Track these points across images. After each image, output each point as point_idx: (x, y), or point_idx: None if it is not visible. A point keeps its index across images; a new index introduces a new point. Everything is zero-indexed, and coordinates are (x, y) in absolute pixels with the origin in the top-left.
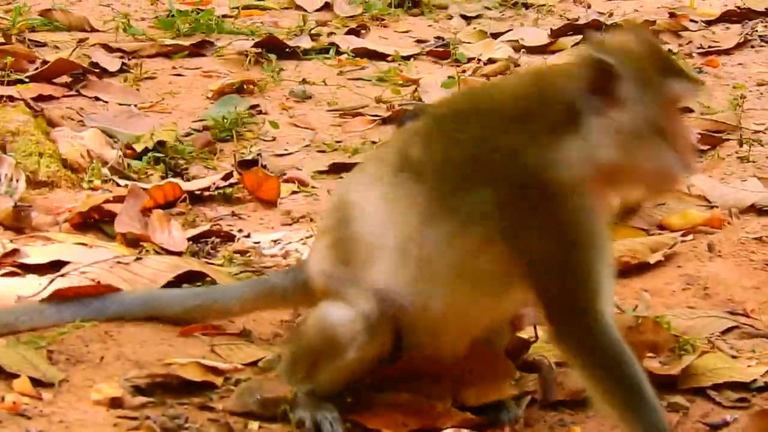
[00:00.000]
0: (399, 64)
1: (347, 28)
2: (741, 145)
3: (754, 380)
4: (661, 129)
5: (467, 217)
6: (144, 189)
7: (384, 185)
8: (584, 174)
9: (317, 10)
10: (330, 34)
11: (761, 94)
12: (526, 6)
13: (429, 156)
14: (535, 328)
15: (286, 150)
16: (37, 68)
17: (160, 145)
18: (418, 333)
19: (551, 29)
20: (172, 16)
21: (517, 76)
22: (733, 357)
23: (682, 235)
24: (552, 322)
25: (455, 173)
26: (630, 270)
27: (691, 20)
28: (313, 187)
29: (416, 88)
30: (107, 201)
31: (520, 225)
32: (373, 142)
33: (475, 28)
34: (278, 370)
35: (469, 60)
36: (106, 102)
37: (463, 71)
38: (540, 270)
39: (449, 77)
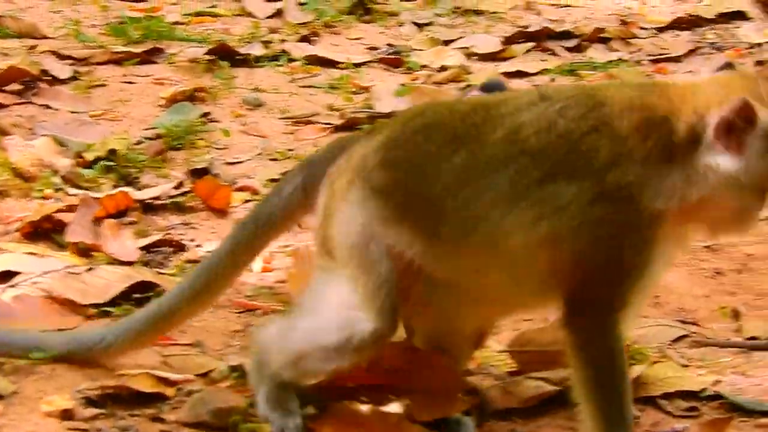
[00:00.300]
0: (351, 72)
1: (299, 35)
2: None
3: (704, 389)
4: (764, 187)
5: (544, 207)
6: (95, 198)
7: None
8: (677, 207)
9: (269, 17)
10: (282, 41)
11: None
12: (478, 13)
13: (529, 138)
14: None
15: (238, 158)
16: None
17: (112, 153)
18: (428, 317)
19: (503, 36)
20: (123, 23)
21: (646, 84)
22: (684, 366)
23: None
24: (574, 312)
25: (550, 163)
26: None
27: (642, 27)
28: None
29: (368, 96)
30: (59, 210)
31: (592, 230)
32: None
33: (426, 35)
34: (253, 354)
35: (422, 67)
36: (57, 110)
37: (416, 79)
38: (587, 271)
39: (402, 85)
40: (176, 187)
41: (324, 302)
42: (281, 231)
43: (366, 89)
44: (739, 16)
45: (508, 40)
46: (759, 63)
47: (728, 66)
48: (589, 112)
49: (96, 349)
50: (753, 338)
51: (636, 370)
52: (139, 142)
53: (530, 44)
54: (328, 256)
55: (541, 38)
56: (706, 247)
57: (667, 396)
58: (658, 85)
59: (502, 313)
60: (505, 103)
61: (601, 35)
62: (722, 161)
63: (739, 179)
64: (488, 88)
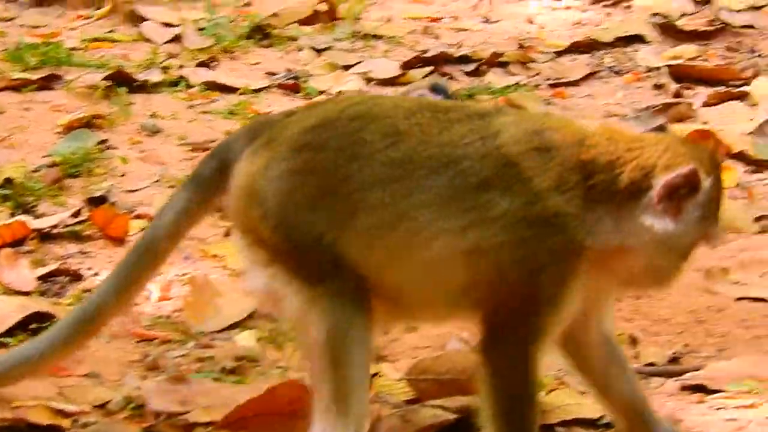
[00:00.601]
0: (250, 97)
1: (198, 61)
2: None
3: (601, 416)
4: (689, 252)
5: (474, 216)
6: None
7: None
8: (605, 249)
9: (167, 42)
10: (180, 66)
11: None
12: (376, 37)
13: (474, 143)
14: None
15: (136, 186)
16: None
17: (8, 181)
18: None
19: (402, 61)
20: (21, 49)
21: (594, 126)
22: (582, 393)
23: None
24: (491, 338)
25: (489, 171)
26: None
27: (540, 51)
28: None
29: None
30: None
31: (518, 249)
32: None
33: (325, 60)
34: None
35: (320, 92)
36: None
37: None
38: (505, 292)
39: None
40: (73, 216)
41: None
42: (201, 213)
43: (264, 115)
44: (638, 39)
45: (407, 65)
46: (657, 86)
47: (662, 128)
48: (540, 133)
49: None
50: (650, 364)
51: None
52: (36, 170)
53: (428, 69)
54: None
55: (439, 63)
56: None
57: (565, 423)
58: (606, 129)
59: (414, 318)
60: (455, 110)
61: (500, 59)
62: (658, 223)
63: (670, 241)
64: (436, 89)
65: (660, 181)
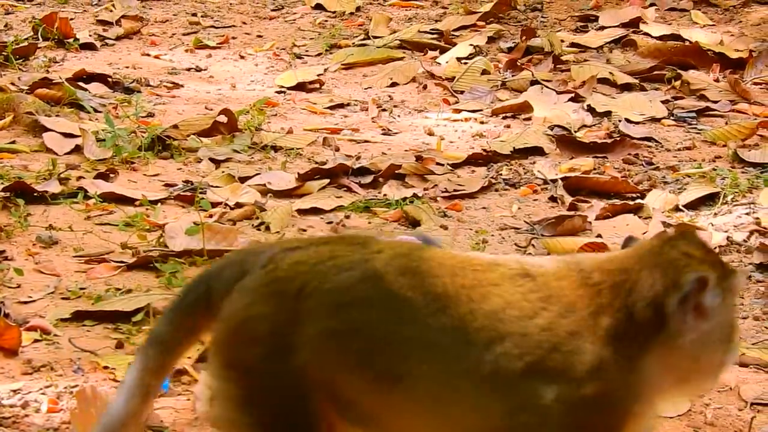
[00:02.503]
0: (147, 209)
1: (96, 172)
2: None
3: None
4: (732, 328)
5: (521, 401)
6: None
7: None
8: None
9: (67, 153)
10: (79, 177)
11: (503, 238)
12: (275, 149)
13: (513, 323)
14: None
15: (30, 297)
16: None
17: None
18: None
19: (298, 173)
20: None
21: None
22: None
23: None
24: None
25: (532, 358)
26: None
27: (438, 163)
28: (55, 335)
29: (162, 234)
30: None
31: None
32: (118, 289)
33: (223, 172)
34: None
35: (216, 204)
36: None
37: (210, 216)
38: None
39: (194, 223)
40: None
41: None
42: (184, 347)
43: (160, 227)
44: (536, 151)
45: (304, 177)
46: (552, 199)
47: (631, 240)
48: (570, 311)
49: None
50: None
51: None
52: None
53: (326, 181)
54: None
55: (337, 174)
56: None
57: None
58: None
59: None
60: (491, 269)
61: (397, 171)
62: (694, 330)
63: (715, 336)
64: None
65: (674, 300)
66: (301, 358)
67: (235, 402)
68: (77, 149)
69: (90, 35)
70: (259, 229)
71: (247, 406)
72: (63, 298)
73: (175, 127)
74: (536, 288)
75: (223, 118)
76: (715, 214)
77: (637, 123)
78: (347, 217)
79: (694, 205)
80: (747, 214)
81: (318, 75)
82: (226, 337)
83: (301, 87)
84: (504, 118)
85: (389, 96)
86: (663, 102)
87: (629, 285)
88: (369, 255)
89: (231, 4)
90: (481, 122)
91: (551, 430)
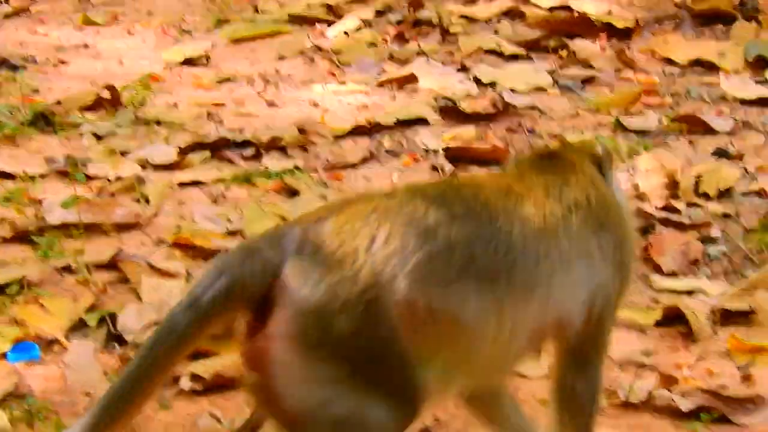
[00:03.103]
0: (27, 184)
1: None
2: None
3: None
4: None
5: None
6: None
7: None
8: None
9: None
10: None
11: None
12: (159, 123)
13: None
14: None
15: None
16: None
17: None
18: None
19: (179, 147)
20: None
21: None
22: None
23: None
24: (574, 364)
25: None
26: (234, 384)
27: (321, 135)
28: None
29: (39, 208)
30: None
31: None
32: None
33: (105, 147)
34: None
35: (97, 179)
36: None
37: (91, 190)
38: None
39: (76, 197)
40: None
41: None
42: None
43: (39, 202)
44: (420, 122)
45: (185, 150)
46: (433, 168)
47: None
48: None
49: None
50: None
51: None
52: None
53: (207, 153)
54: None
55: (218, 148)
56: None
57: None
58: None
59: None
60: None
61: (279, 144)
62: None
63: None
64: None
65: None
66: (391, 303)
67: (329, 379)
68: None
69: None
70: (138, 202)
71: (345, 378)
72: None
73: (59, 103)
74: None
75: (106, 94)
76: None
77: (523, 93)
78: (228, 189)
79: None
80: (627, 179)
81: (205, 50)
82: (306, 321)
83: (188, 62)
84: (390, 89)
85: (276, 70)
86: (549, 72)
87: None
88: (403, 194)
89: None
90: (367, 94)
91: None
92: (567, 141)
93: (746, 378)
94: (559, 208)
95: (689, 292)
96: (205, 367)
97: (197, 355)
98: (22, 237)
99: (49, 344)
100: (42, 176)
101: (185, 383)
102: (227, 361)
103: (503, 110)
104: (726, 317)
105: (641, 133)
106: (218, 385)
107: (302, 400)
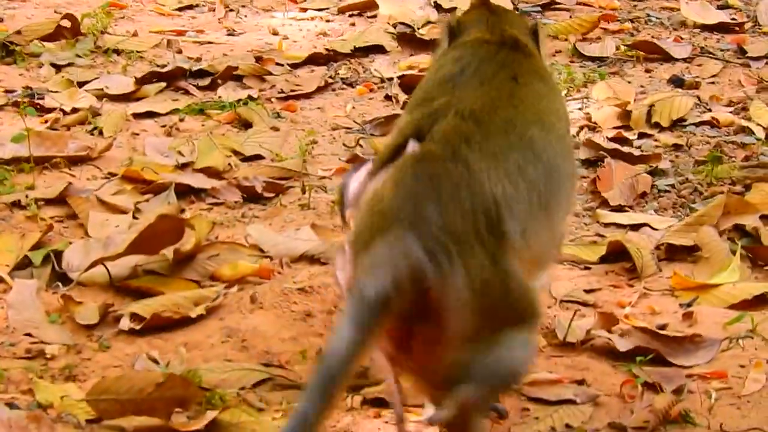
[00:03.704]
0: None
1: None
2: (303, 192)
3: None
4: None
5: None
6: None
7: None
8: None
9: None
10: None
11: (333, 138)
12: (118, 53)
13: None
14: None
15: None
16: None
17: None
18: None
19: (135, 77)
20: None
21: None
22: (261, 410)
23: (228, 287)
24: None
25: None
26: (172, 324)
27: (278, 63)
28: None
29: None
30: None
31: None
32: None
33: (63, 77)
34: None
35: (51, 110)
36: None
37: (46, 122)
38: None
39: (27, 129)
40: None
41: None
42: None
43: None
44: (377, 50)
45: (142, 81)
46: (387, 98)
47: None
48: None
49: None
50: None
51: (210, 416)
52: None
53: (163, 84)
54: None
55: (175, 77)
56: (299, 289)
57: None
58: None
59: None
60: None
61: (235, 73)
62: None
63: None
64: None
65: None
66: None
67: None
68: None
69: None
70: (92, 134)
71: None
72: None
73: (19, 32)
74: None
75: (66, 23)
76: None
77: None
78: (181, 120)
79: None
80: (579, 109)
81: None
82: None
83: None
84: (350, 16)
85: None
86: None
87: None
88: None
89: None
90: (327, 21)
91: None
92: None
93: (687, 316)
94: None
95: (635, 227)
96: (144, 307)
97: (138, 294)
98: None
99: None
100: None
101: (124, 323)
102: (166, 300)
103: None
104: (671, 253)
105: (598, 59)
106: (157, 326)
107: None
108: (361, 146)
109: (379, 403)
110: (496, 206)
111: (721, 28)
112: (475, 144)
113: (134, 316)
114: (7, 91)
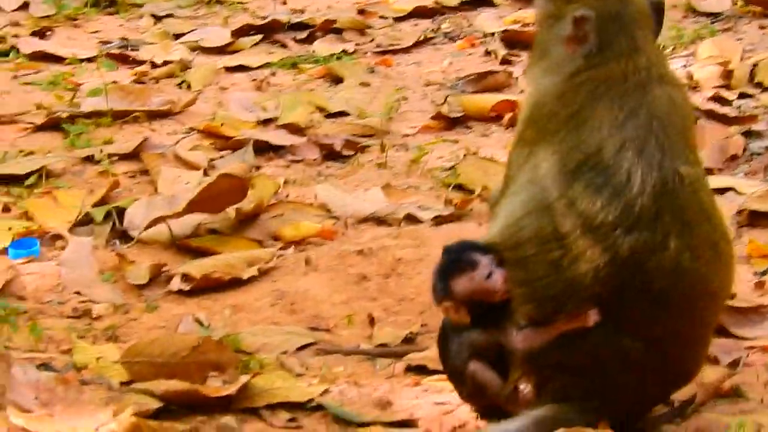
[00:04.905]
0: (74, 68)
1: (33, 29)
2: (383, 150)
3: (310, 400)
4: None
5: None
6: None
7: None
8: None
9: (15, 10)
10: (15, 36)
11: (425, 94)
12: (220, 3)
13: None
14: None
15: None
16: None
17: None
18: None
19: (232, 29)
20: None
21: None
22: (299, 375)
23: (284, 248)
24: None
25: None
26: (223, 285)
27: (381, 17)
28: None
29: (75, 94)
30: None
31: None
32: (21, 151)
33: (160, 28)
34: None
35: (143, 63)
36: None
37: (135, 74)
38: None
39: (114, 82)
40: None
41: None
42: None
43: (79, 87)
44: (485, 3)
45: (238, 33)
46: (488, 53)
47: None
48: None
49: None
50: (382, 345)
51: (242, 380)
52: None
53: (259, 36)
54: None
55: (273, 30)
56: (357, 251)
57: (271, 407)
58: None
59: None
60: None
61: (335, 26)
62: None
63: None
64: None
65: None
66: None
67: None
68: (25, 6)
69: None
70: (180, 87)
71: None
72: None
73: None
74: None
75: None
76: None
77: None
78: (273, 74)
79: None
80: (683, 66)
81: None
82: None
83: None
84: None
85: None
86: None
87: None
88: None
89: None
90: None
91: None
92: None
93: (759, 285)
94: None
95: (721, 191)
96: (196, 268)
97: (197, 254)
98: (54, 125)
99: (52, 239)
100: (90, 60)
101: (175, 283)
102: (219, 261)
103: None
104: (753, 219)
105: (712, 15)
106: (208, 288)
107: None
108: (448, 104)
109: (422, 370)
110: None
111: None
112: None
113: (185, 277)
114: (102, 42)
